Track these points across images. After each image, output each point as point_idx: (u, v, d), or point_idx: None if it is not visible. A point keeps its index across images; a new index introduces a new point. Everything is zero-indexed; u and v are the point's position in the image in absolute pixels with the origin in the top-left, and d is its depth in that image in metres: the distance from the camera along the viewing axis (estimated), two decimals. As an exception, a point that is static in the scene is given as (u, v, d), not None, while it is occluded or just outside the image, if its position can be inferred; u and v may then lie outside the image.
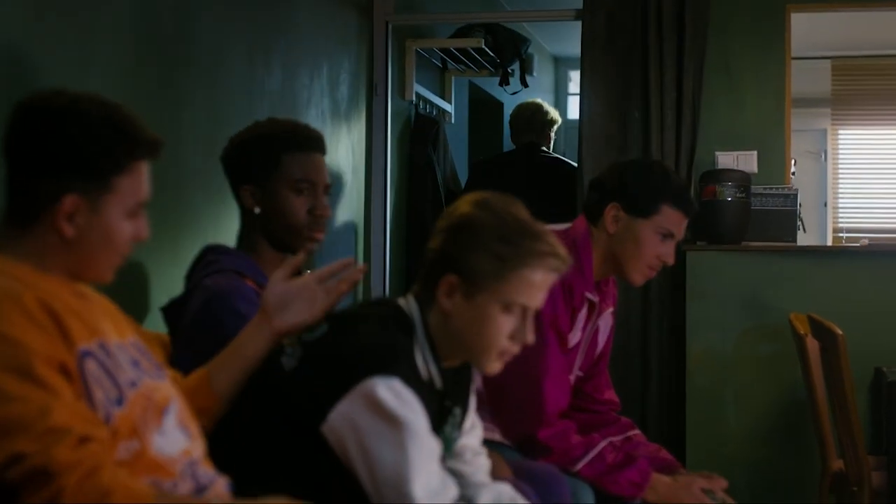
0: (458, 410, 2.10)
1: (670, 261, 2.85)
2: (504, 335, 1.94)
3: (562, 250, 1.96)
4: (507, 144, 7.06)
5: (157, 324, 2.73)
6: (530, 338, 1.96)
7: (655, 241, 2.82)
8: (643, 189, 2.83)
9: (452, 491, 1.91)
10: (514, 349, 1.97)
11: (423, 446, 1.85)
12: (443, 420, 2.04)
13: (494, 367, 1.99)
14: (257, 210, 2.51)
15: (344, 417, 1.83)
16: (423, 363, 1.97)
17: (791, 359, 4.08)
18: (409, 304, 2.01)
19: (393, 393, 1.83)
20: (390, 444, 1.82)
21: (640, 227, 2.82)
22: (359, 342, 1.91)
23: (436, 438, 1.93)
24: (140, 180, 1.73)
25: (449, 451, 2.09)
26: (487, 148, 6.96)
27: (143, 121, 1.73)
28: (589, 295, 2.85)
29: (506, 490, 2.18)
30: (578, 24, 4.72)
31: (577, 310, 2.83)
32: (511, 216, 1.96)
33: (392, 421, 1.82)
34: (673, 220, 2.82)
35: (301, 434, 1.88)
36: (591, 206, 2.88)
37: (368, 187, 4.87)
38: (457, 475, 2.12)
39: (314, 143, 2.52)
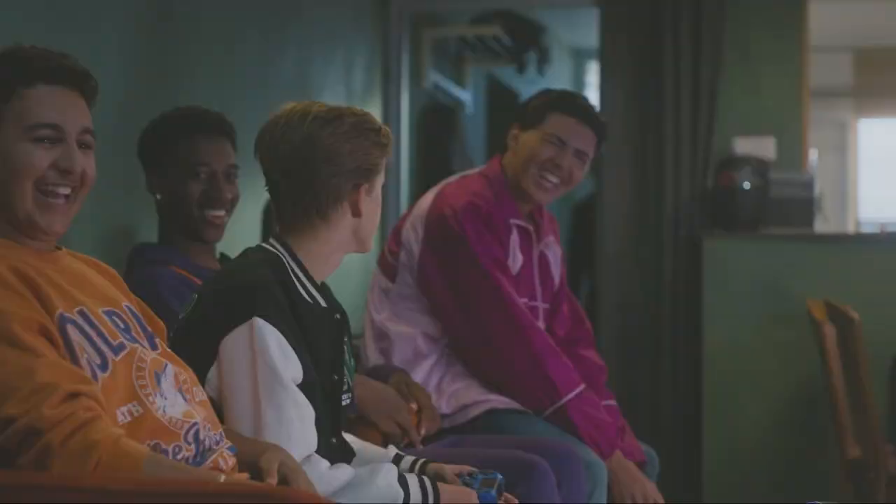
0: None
1: (564, 163, 2.83)
2: None
3: None
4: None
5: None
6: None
7: (545, 147, 2.83)
8: (533, 103, 2.91)
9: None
10: None
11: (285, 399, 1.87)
12: (342, 336, 2.04)
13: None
14: (158, 196, 2.49)
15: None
16: (302, 288, 1.98)
17: (809, 346, 4.05)
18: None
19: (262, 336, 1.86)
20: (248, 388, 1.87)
21: (529, 138, 2.86)
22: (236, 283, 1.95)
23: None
24: (34, 103, 1.65)
25: (351, 374, 2.09)
26: (505, 139, 6.92)
27: (42, 48, 1.67)
28: (514, 220, 2.88)
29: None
30: (597, 13, 4.70)
31: (505, 236, 2.86)
32: None
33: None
34: (561, 125, 2.83)
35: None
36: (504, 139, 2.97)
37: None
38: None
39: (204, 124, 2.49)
